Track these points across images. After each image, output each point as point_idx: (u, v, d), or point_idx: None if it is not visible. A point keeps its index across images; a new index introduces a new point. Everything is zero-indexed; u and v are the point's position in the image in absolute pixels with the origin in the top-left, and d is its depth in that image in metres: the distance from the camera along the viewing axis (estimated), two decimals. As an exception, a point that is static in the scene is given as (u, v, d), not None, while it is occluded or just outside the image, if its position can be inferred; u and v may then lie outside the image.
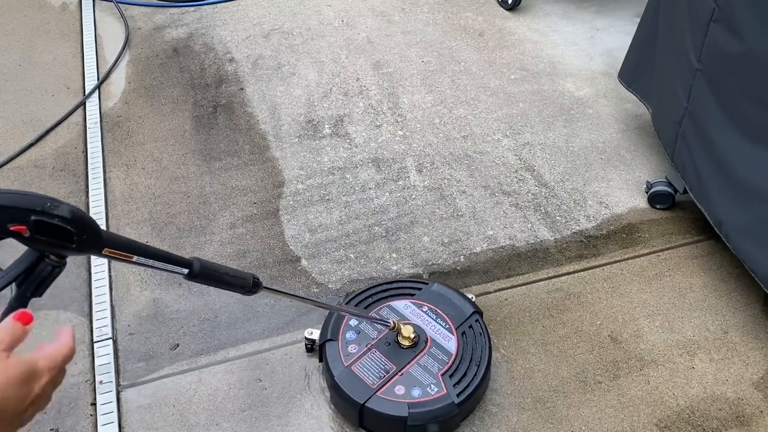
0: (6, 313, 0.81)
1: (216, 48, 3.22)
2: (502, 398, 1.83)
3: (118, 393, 1.84)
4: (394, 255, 2.23)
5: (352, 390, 1.70)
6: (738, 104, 1.90)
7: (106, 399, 1.82)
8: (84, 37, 3.27)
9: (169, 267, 1.10)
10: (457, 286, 2.12)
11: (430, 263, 2.20)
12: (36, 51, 3.17)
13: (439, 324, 1.84)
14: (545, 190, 2.48)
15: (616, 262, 2.22)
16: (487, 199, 2.44)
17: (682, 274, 2.18)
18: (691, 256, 2.24)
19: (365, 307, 1.91)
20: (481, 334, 1.81)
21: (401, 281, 1.99)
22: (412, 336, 1.78)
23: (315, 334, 1.88)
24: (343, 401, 1.72)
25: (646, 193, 2.42)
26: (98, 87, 2.94)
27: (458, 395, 1.68)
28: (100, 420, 1.77)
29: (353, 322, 1.84)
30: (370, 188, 2.48)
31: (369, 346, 1.79)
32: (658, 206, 2.40)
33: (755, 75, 1.81)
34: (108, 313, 2.03)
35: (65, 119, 2.78)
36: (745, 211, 1.91)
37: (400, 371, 1.73)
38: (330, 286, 2.14)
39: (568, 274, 2.18)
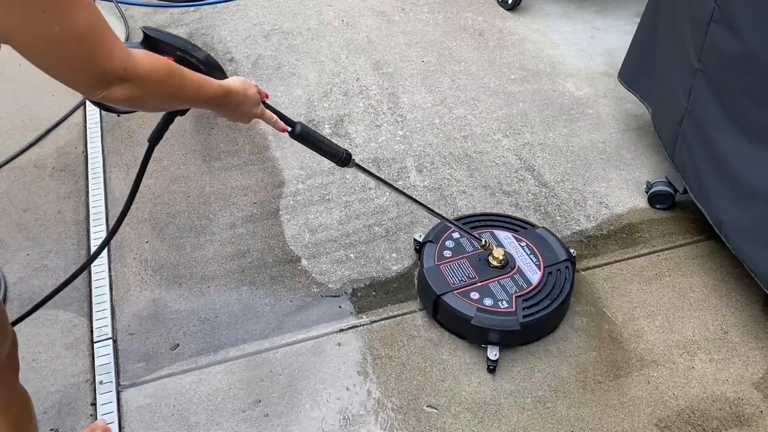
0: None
1: (216, 48, 3.22)
2: (502, 398, 1.83)
3: (118, 393, 1.84)
4: (394, 255, 2.23)
5: (435, 282, 1.97)
6: (738, 104, 1.90)
7: (106, 399, 1.82)
8: (84, 37, 3.26)
9: (282, 123, 1.51)
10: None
11: (430, 263, 2.20)
12: (36, 51, 3.16)
13: (531, 259, 2.05)
14: (545, 190, 2.48)
15: (616, 262, 2.22)
16: (487, 199, 2.44)
17: (682, 274, 2.18)
18: (691, 256, 2.24)
19: (471, 227, 2.14)
20: (566, 279, 2.00)
21: (511, 217, 2.23)
22: (501, 258, 2.01)
23: (421, 238, 2.17)
24: (424, 291, 2.00)
25: (646, 193, 2.42)
26: (98, 87, 2.94)
27: (524, 317, 1.89)
28: (100, 420, 1.77)
29: (456, 234, 2.11)
30: (370, 188, 2.48)
31: (461, 256, 2.06)
32: (658, 206, 2.40)
33: (755, 75, 1.81)
34: (108, 313, 2.03)
35: (65, 119, 2.78)
36: (744, 211, 1.91)
37: (480, 282, 1.97)
38: (330, 285, 2.14)
39: (568, 274, 2.18)
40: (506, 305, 1.91)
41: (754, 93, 1.83)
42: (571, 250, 2.12)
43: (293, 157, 2.61)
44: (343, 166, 1.65)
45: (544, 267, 2.02)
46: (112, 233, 1.57)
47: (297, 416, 1.80)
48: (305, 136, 1.56)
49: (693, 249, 2.26)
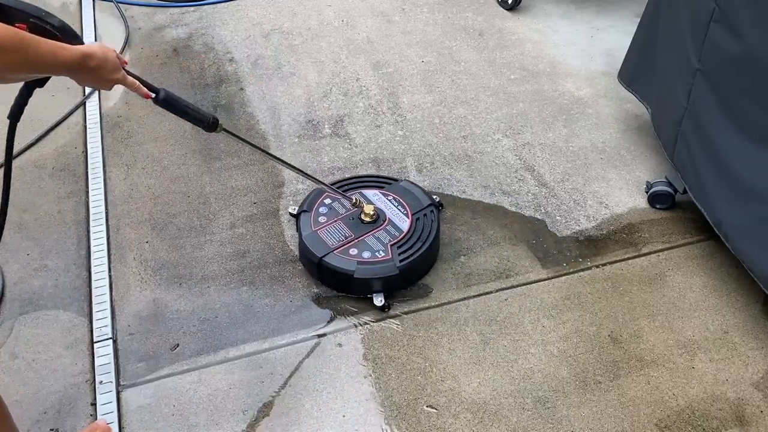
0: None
1: (216, 48, 3.22)
2: (502, 398, 1.83)
3: (118, 393, 1.84)
4: (394, 255, 2.23)
5: (315, 247, 2.09)
6: (738, 104, 1.90)
7: (106, 399, 1.82)
8: (84, 37, 3.26)
9: (144, 89, 1.48)
10: (456, 287, 2.13)
11: (430, 263, 2.20)
12: (36, 51, 3.16)
13: (399, 210, 2.22)
14: (545, 190, 2.48)
15: (616, 262, 2.22)
16: (487, 199, 2.44)
17: (682, 274, 2.18)
18: (691, 256, 2.24)
19: (343, 191, 2.24)
20: (432, 222, 2.18)
21: (376, 176, 2.41)
22: (372, 213, 2.15)
23: (296, 211, 2.29)
24: (306, 257, 2.10)
25: (646, 193, 2.42)
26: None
27: (400, 261, 2.05)
28: (100, 420, 1.77)
29: (327, 200, 2.25)
30: (370, 188, 2.48)
31: (336, 218, 2.19)
32: (658, 206, 2.40)
33: (755, 75, 1.81)
34: (108, 313, 2.04)
35: (65, 119, 2.78)
36: (744, 211, 1.91)
37: (357, 238, 2.12)
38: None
39: (568, 274, 2.18)
40: (383, 254, 2.07)
41: (754, 93, 1.83)
42: (435, 197, 2.33)
43: (293, 157, 2.61)
44: (210, 131, 1.66)
45: (412, 214, 2.19)
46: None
47: (297, 416, 1.80)
48: (170, 101, 1.54)
49: (693, 249, 2.26)
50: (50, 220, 2.34)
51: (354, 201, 2.15)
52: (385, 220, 2.18)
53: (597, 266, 2.20)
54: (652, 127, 2.45)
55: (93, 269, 2.17)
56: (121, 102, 2.88)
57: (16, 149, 2.60)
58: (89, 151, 2.62)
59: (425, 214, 2.20)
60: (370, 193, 2.28)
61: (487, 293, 2.11)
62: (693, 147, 2.12)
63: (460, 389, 1.85)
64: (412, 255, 2.07)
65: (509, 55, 3.18)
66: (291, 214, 2.32)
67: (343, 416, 1.79)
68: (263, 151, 1.97)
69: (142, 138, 2.70)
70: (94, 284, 2.12)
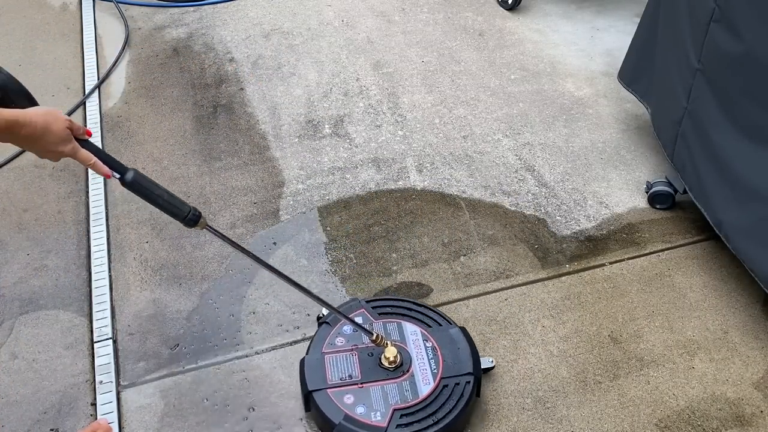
0: None
1: (216, 48, 3.22)
2: (502, 398, 1.83)
3: (118, 393, 1.84)
4: (394, 255, 2.23)
5: (311, 376, 1.73)
6: (738, 104, 1.90)
7: (106, 399, 1.82)
8: (84, 37, 3.26)
9: (104, 167, 1.28)
10: (456, 287, 2.12)
11: (430, 263, 2.20)
12: (36, 51, 3.17)
13: (430, 365, 1.75)
14: (545, 190, 2.48)
15: (616, 262, 2.22)
16: (487, 198, 2.44)
17: (682, 274, 2.18)
18: (691, 256, 2.24)
19: (380, 312, 1.88)
20: (461, 397, 1.69)
21: (431, 309, 1.91)
22: (392, 358, 1.74)
23: (323, 315, 1.93)
24: (301, 380, 1.76)
25: (646, 193, 2.42)
26: (98, 87, 2.94)
27: None
28: (101, 419, 1.77)
29: (359, 319, 1.83)
30: (370, 188, 2.48)
31: (354, 347, 1.79)
32: (658, 206, 2.40)
33: (755, 75, 1.81)
34: (108, 313, 2.04)
35: (65, 119, 2.78)
36: (744, 211, 1.91)
37: (361, 384, 1.71)
38: (330, 286, 2.14)
39: (568, 274, 2.18)
40: (379, 418, 1.63)
41: (754, 93, 1.83)
42: (489, 359, 1.85)
43: (293, 157, 2.61)
44: (189, 227, 1.39)
45: (441, 378, 1.71)
46: None
47: (298, 416, 1.79)
48: (138, 187, 1.32)
49: (693, 249, 2.26)
50: (50, 220, 2.34)
51: (375, 336, 1.72)
52: (407, 371, 1.72)
53: (597, 266, 2.20)
54: (652, 127, 2.45)
55: (93, 269, 2.17)
56: (121, 102, 2.88)
57: (16, 149, 2.60)
58: (89, 151, 2.62)
59: (458, 383, 1.70)
60: (410, 328, 1.83)
61: (487, 293, 2.11)
62: (693, 147, 2.12)
63: (460, 389, 1.86)
64: None
65: (509, 55, 3.18)
66: (318, 316, 1.94)
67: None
68: (273, 269, 1.60)
69: (142, 138, 2.70)
70: (94, 284, 2.12)
